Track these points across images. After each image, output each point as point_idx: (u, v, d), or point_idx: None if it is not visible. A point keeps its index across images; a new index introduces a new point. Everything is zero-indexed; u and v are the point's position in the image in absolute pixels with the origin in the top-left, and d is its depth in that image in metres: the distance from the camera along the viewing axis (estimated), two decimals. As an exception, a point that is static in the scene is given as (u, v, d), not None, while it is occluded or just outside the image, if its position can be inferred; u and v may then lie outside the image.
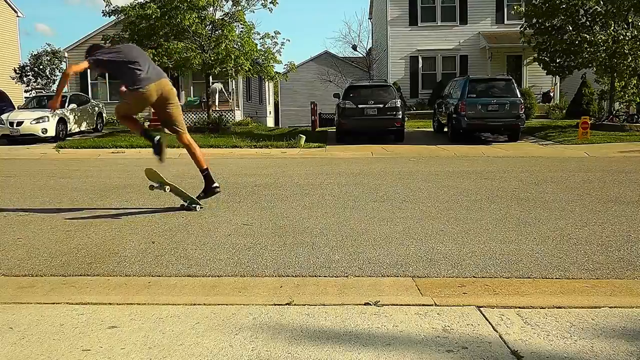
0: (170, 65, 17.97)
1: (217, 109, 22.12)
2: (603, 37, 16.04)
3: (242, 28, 18.72)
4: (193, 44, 18.15)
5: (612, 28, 16.19)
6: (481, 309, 2.95)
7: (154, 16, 17.13)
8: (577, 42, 16.30)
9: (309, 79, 35.42)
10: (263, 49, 19.19)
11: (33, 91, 33.96)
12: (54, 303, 3.14)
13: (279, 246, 4.46)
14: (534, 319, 2.81)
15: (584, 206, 6.04)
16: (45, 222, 5.47)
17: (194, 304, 3.08)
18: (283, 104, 38.10)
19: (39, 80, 35.29)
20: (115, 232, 4.99)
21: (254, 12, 21.20)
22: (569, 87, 23.86)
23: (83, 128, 19.19)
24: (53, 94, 25.11)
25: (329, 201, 6.58)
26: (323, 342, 2.54)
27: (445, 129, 16.92)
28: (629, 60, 16.24)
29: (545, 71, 18.68)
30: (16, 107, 20.26)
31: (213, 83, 22.16)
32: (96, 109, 20.45)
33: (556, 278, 3.66)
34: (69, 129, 18.01)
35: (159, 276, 3.78)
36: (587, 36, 16.04)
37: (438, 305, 3.03)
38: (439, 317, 2.84)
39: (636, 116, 18.15)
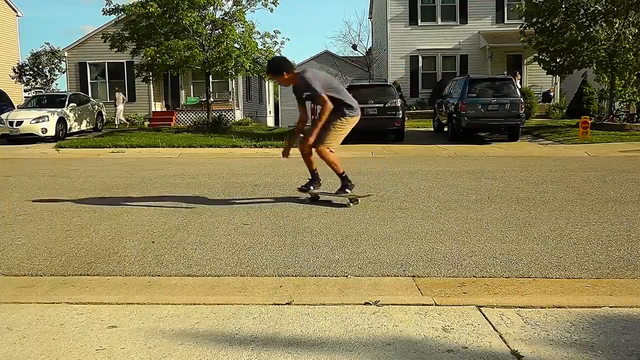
0: (172, 63, 17.95)
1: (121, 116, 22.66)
2: (603, 36, 16.04)
3: (243, 28, 18.71)
4: (194, 42, 18.14)
5: (612, 27, 16.19)
6: (481, 308, 2.95)
7: (155, 14, 17.11)
8: (577, 41, 16.30)
9: (309, 78, 35.33)
10: (264, 48, 19.17)
11: (32, 90, 33.97)
12: (53, 303, 3.14)
13: (279, 246, 4.46)
14: (534, 319, 2.81)
15: (584, 206, 6.04)
16: (44, 221, 5.47)
17: (194, 304, 3.08)
18: (283, 104, 38.08)
19: (38, 79, 35.27)
20: (115, 232, 4.99)
21: (254, 12, 21.19)
22: (569, 87, 23.86)
23: (83, 127, 19.18)
24: (53, 93, 25.22)
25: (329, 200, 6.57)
26: (323, 342, 2.54)
27: (446, 129, 16.91)
28: (630, 58, 16.23)
29: (546, 71, 18.68)
30: (16, 106, 20.26)
31: (117, 91, 23.13)
32: (96, 107, 20.44)
33: (556, 277, 3.66)
34: (68, 128, 18.00)
35: (159, 276, 3.78)
36: (588, 35, 16.04)
37: (438, 305, 3.03)
38: (439, 317, 2.84)
39: (636, 116, 18.17)
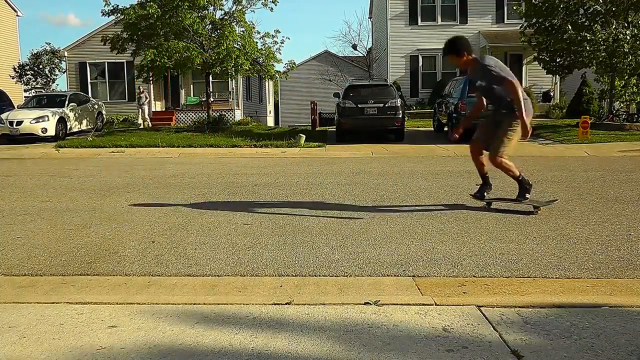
0: (171, 65, 17.95)
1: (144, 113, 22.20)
2: (603, 36, 16.03)
3: (243, 28, 18.70)
4: (193, 43, 18.14)
5: (612, 27, 16.18)
6: (481, 308, 2.95)
7: (155, 15, 17.10)
8: (577, 41, 16.29)
9: (309, 78, 35.43)
10: (264, 48, 19.15)
11: (33, 90, 33.98)
12: (53, 302, 3.14)
13: (279, 246, 4.46)
14: (534, 319, 2.81)
15: (584, 205, 6.04)
16: (45, 221, 5.47)
17: (194, 304, 3.08)
18: (283, 103, 38.10)
19: (38, 79, 35.28)
20: (115, 232, 4.99)
21: (254, 11, 21.19)
22: (569, 87, 23.84)
23: (83, 127, 19.17)
24: (53, 93, 25.22)
25: (329, 200, 6.58)
26: (323, 342, 2.54)
27: (445, 129, 16.91)
28: (629, 59, 16.23)
29: (545, 70, 18.68)
30: (16, 106, 20.26)
31: (143, 90, 22.23)
32: (96, 107, 20.44)
33: (556, 277, 3.66)
34: (68, 128, 18.00)
35: (159, 276, 3.78)
36: (587, 35, 16.03)
37: (438, 305, 3.03)
38: (439, 317, 2.84)
39: (636, 115, 18.13)
